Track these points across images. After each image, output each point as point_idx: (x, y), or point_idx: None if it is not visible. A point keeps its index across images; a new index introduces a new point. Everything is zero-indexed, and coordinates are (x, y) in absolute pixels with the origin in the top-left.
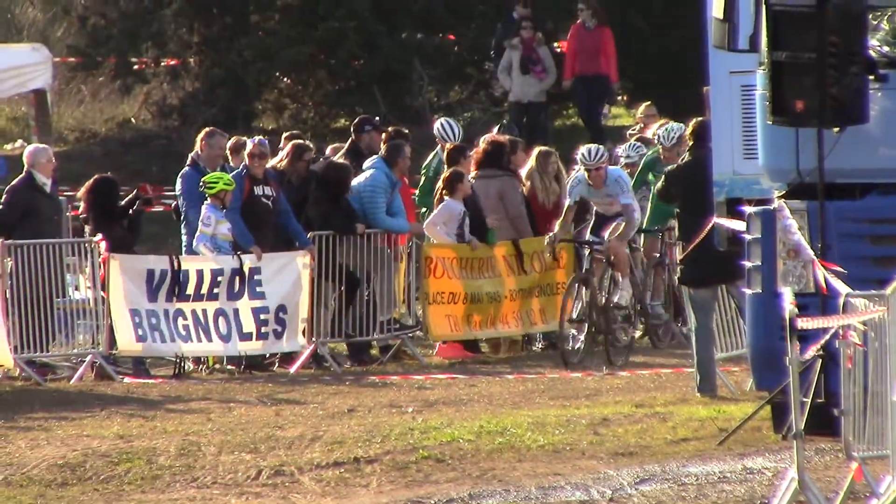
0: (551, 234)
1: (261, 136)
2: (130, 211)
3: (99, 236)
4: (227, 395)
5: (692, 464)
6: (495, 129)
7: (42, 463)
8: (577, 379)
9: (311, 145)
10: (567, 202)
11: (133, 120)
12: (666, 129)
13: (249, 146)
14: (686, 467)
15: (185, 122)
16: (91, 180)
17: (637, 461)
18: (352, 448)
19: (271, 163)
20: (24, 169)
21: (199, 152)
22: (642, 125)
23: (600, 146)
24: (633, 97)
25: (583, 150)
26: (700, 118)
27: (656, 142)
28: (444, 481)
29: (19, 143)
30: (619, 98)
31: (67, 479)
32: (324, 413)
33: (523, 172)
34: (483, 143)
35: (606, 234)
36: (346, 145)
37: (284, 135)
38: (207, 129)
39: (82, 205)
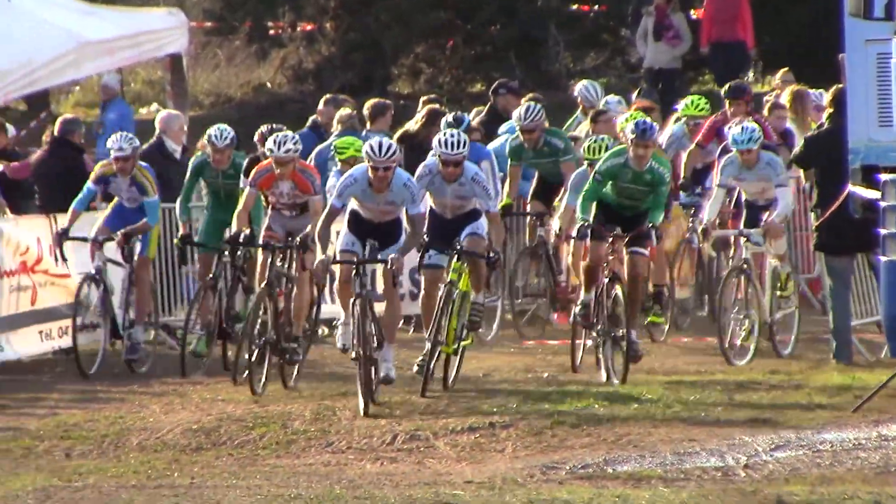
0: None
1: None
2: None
3: None
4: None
5: (827, 430)
6: (633, 95)
7: (176, 427)
8: (712, 344)
9: (447, 110)
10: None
11: (269, 85)
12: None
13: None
14: (821, 434)
15: (320, 87)
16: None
17: (772, 428)
18: (487, 413)
19: (406, 126)
20: (155, 134)
21: (319, 118)
22: (779, 92)
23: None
24: (769, 65)
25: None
26: (838, 85)
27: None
28: (578, 447)
29: (154, 107)
30: (755, 65)
31: (202, 444)
32: (459, 377)
33: (662, 139)
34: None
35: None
36: (486, 108)
37: (422, 99)
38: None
39: None
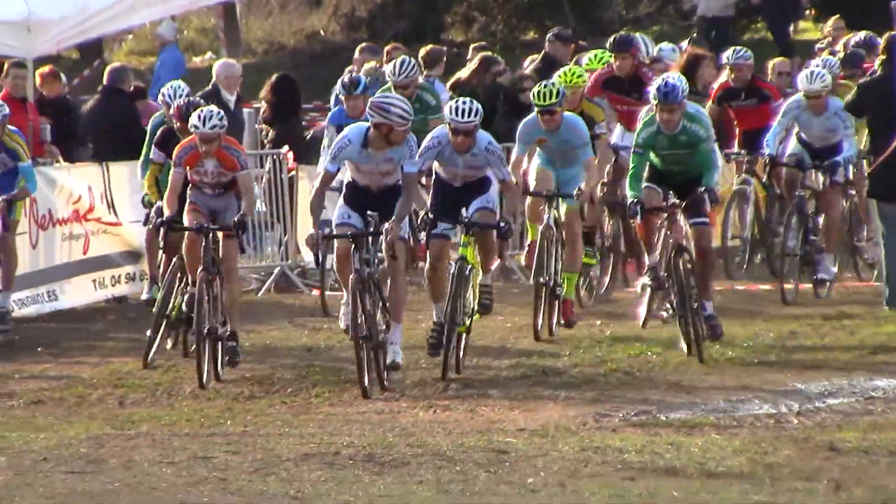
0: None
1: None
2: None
3: (285, 148)
4: (413, 308)
5: (879, 377)
6: (684, 44)
7: (230, 376)
8: (765, 291)
9: (500, 58)
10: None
11: (322, 32)
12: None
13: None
14: (873, 381)
15: (373, 35)
16: (273, 78)
17: (824, 375)
18: (539, 361)
19: (457, 74)
20: (211, 83)
21: (354, 67)
22: (831, 39)
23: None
24: (822, 11)
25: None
26: (891, 31)
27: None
28: (631, 394)
29: (209, 55)
30: (808, 12)
31: (255, 392)
32: (511, 326)
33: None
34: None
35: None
36: (540, 56)
37: (472, 46)
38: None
39: (265, 106)
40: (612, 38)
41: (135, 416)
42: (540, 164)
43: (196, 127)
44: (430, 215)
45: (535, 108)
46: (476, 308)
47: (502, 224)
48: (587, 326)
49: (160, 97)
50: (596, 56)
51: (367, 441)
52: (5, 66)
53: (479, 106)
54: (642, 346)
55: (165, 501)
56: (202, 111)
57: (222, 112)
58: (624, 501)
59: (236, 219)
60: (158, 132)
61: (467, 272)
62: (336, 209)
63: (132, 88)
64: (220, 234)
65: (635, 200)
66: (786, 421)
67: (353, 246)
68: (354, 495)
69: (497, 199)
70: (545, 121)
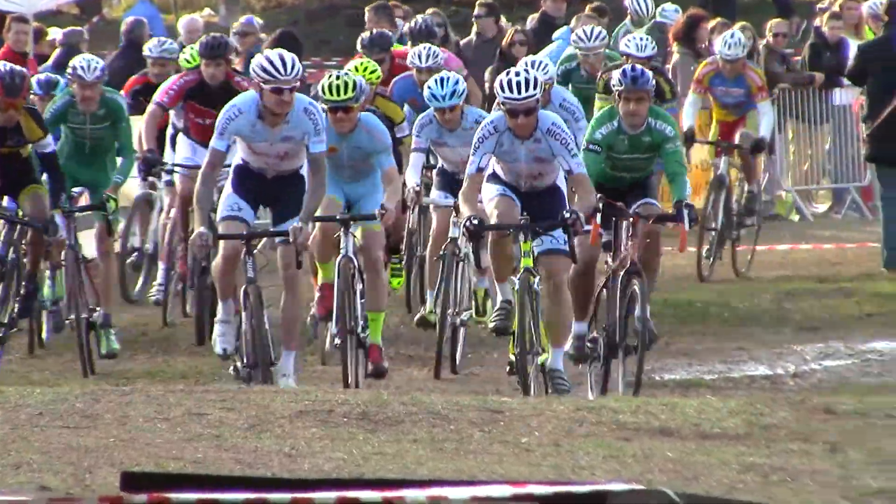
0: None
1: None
2: None
3: None
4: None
5: (876, 339)
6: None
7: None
8: (763, 252)
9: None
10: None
11: None
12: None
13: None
14: (870, 343)
15: None
16: (276, 34)
17: (821, 337)
18: None
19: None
20: (178, 40)
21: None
22: (832, 1)
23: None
24: None
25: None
26: None
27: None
28: (625, 354)
29: (206, 11)
30: None
31: None
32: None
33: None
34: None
35: None
36: (538, 16)
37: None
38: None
39: None
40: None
41: (129, 371)
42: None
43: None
44: (475, 220)
45: (325, 105)
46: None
47: (567, 214)
48: None
49: (69, 70)
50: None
51: (362, 399)
52: (7, 21)
53: (539, 75)
54: None
55: (159, 457)
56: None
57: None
58: (618, 462)
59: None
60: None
61: (535, 285)
62: (222, 198)
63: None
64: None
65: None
66: (782, 382)
67: (246, 249)
68: (348, 453)
69: (566, 238)
70: (336, 121)
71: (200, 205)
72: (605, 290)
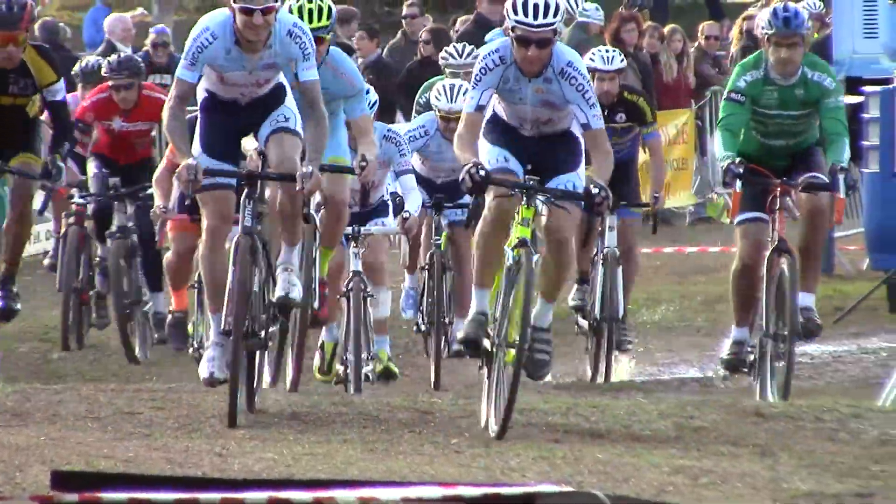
0: None
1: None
2: None
3: None
4: None
5: (807, 343)
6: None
7: (156, 334)
8: (693, 255)
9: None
10: None
11: None
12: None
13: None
14: (801, 347)
15: None
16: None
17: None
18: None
19: None
20: (104, 39)
21: None
22: (765, 2)
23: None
24: None
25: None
26: None
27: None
28: (557, 356)
29: (140, 11)
30: None
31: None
32: None
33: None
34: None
35: None
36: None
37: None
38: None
39: None
40: None
41: (60, 370)
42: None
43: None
44: (482, 171)
45: None
46: (514, 358)
47: (595, 190)
48: None
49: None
50: None
51: (292, 399)
52: None
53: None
54: (566, 309)
55: (90, 456)
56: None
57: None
58: (549, 463)
59: None
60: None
61: (524, 260)
62: (195, 141)
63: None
64: None
65: (734, 161)
66: (712, 385)
67: (247, 191)
68: (279, 453)
69: (583, 179)
70: None
71: (175, 137)
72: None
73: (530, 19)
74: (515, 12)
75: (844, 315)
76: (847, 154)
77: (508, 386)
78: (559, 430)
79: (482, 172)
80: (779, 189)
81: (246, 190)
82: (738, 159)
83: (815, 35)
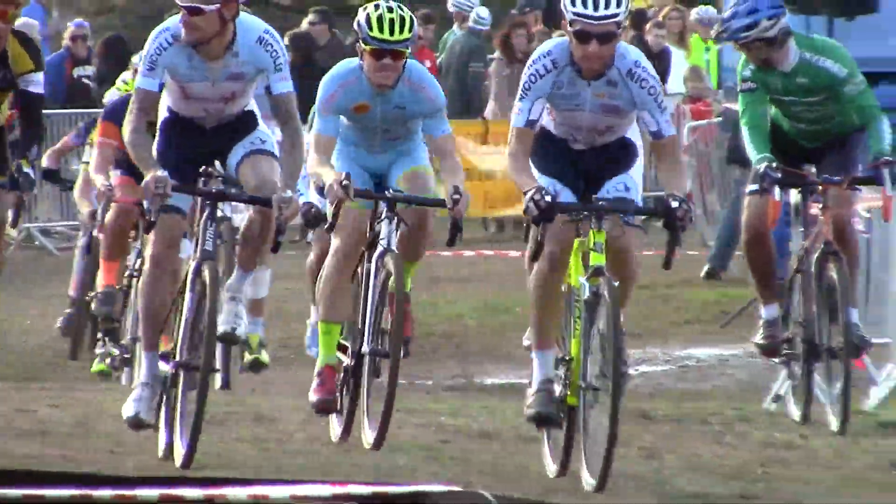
0: None
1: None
2: None
3: None
4: None
5: (694, 346)
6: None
7: (54, 332)
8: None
9: None
10: None
11: None
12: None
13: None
14: (688, 350)
15: None
16: (105, 38)
17: (640, 343)
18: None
19: None
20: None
21: None
22: (657, 8)
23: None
24: None
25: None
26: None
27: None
28: (446, 357)
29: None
30: None
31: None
32: None
33: None
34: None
35: None
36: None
37: None
38: None
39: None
40: None
41: None
42: (340, 162)
43: None
44: (547, 196)
45: (365, 46)
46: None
47: (675, 203)
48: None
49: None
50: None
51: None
52: None
53: None
54: (459, 310)
55: None
56: None
57: None
58: (438, 463)
59: None
60: None
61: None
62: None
63: None
64: None
65: (768, 164)
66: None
67: (209, 212)
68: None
69: (641, 180)
70: (379, 68)
71: (139, 150)
72: (798, 274)
73: (591, 10)
74: (573, 4)
75: (732, 319)
76: (888, 139)
77: (606, 430)
78: (448, 430)
79: (548, 198)
80: (819, 187)
81: (207, 211)
82: (774, 163)
83: (699, 41)
